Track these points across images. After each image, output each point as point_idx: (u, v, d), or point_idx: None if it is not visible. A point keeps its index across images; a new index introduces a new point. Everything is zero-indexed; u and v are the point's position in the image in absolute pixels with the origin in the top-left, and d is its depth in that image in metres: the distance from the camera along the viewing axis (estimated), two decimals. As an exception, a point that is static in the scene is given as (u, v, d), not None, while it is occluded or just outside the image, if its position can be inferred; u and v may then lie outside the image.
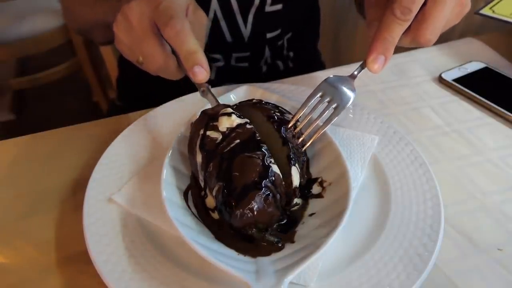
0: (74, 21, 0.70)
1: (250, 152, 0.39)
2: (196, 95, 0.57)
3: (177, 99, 0.56)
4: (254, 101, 0.48)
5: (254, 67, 0.75)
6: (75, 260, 0.40)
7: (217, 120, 0.42)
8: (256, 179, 0.38)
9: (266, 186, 0.37)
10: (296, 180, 0.41)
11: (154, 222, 0.42)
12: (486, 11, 0.68)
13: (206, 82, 0.45)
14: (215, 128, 0.41)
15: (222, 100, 0.52)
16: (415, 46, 0.42)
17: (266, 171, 0.38)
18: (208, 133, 0.41)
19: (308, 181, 0.45)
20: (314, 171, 0.46)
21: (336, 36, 1.62)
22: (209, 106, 0.47)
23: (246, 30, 0.69)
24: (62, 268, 0.40)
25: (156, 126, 0.53)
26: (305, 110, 0.43)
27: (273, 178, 0.38)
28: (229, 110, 0.43)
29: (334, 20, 1.61)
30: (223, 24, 0.67)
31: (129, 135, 0.51)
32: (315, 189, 0.44)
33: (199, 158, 0.42)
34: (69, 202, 0.46)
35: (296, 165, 0.41)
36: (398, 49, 0.76)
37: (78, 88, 2.01)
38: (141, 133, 0.52)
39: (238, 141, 0.40)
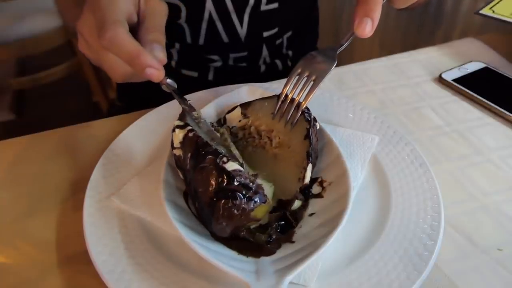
0: (67, 22, 0.70)
1: (201, 161, 0.38)
2: (196, 95, 0.57)
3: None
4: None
5: (252, 67, 0.75)
6: (75, 260, 0.40)
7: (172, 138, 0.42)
8: (215, 188, 0.36)
9: (227, 189, 0.36)
10: (307, 178, 0.41)
11: (154, 222, 0.42)
12: (486, 11, 0.68)
13: (168, 78, 0.42)
14: (173, 146, 0.41)
15: (223, 100, 0.52)
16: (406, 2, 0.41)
17: (221, 174, 0.37)
18: (174, 151, 0.41)
19: (308, 181, 0.45)
20: (314, 171, 0.46)
21: (336, 36, 1.62)
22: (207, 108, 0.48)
23: (242, 30, 0.69)
24: (62, 268, 0.40)
25: (156, 126, 0.53)
26: (287, 89, 0.43)
27: (231, 177, 0.36)
28: (175, 123, 0.42)
29: (333, 19, 1.61)
30: (218, 24, 0.67)
31: (129, 135, 0.51)
32: (315, 189, 0.44)
33: (180, 175, 0.42)
34: (69, 202, 0.46)
35: (311, 163, 0.42)
36: (398, 49, 0.76)
37: (78, 88, 2.01)
38: (141, 133, 0.52)
39: (189, 154, 0.39)
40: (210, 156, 0.37)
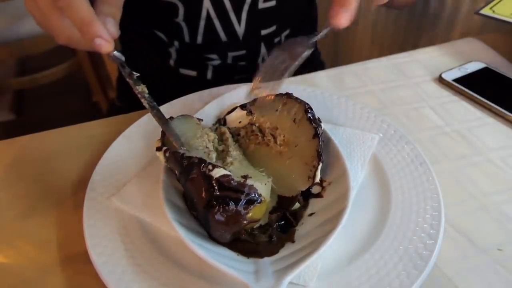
0: None
1: (189, 173, 0.38)
2: (196, 95, 0.57)
3: (177, 99, 0.56)
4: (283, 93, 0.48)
5: (251, 66, 0.75)
6: (75, 260, 0.40)
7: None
8: (206, 197, 0.36)
9: (218, 197, 0.36)
10: (317, 176, 0.41)
11: (154, 223, 0.42)
12: (486, 11, 0.68)
13: (116, 51, 0.40)
14: (163, 163, 0.42)
15: (223, 100, 0.52)
16: None
17: (209, 182, 0.36)
18: (169, 167, 0.42)
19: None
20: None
21: (335, 35, 1.62)
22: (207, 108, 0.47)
23: (240, 28, 0.69)
24: (62, 268, 0.40)
25: (156, 126, 0.52)
26: (262, 74, 0.45)
27: (219, 183, 0.36)
28: (156, 143, 0.42)
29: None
30: (216, 23, 0.67)
31: (129, 136, 0.51)
32: (315, 188, 0.44)
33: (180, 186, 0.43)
34: (69, 202, 0.46)
35: (321, 162, 0.42)
36: (398, 49, 0.76)
37: (78, 88, 2.01)
38: (141, 133, 0.52)
39: (177, 171, 0.40)
40: (195, 167, 0.37)
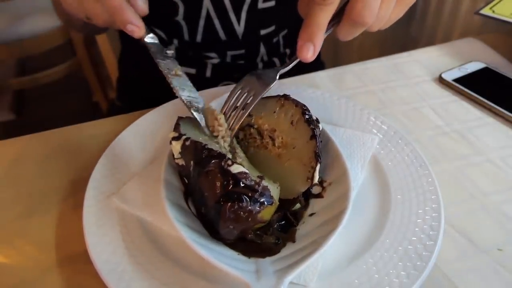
0: (58, 16, 0.70)
1: (205, 165, 0.37)
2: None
3: (177, 99, 0.56)
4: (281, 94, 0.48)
5: (250, 65, 0.75)
6: (75, 260, 0.40)
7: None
8: (220, 191, 0.36)
9: (233, 192, 0.36)
10: (316, 177, 0.41)
11: (154, 222, 0.42)
12: (486, 11, 0.68)
13: (150, 35, 0.44)
14: (174, 157, 0.41)
15: (222, 100, 0.52)
16: (356, 29, 0.40)
17: (226, 177, 0.36)
18: (177, 161, 0.41)
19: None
20: (314, 171, 0.46)
21: (333, 36, 1.62)
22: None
23: (239, 28, 0.69)
24: (62, 268, 0.40)
25: (156, 126, 0.53)
26: (231, 101, 0.45)
27: (236, 179, 0.36)
28: (170, 135, 0.42)
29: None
30: (216, 22, 0.68)
31: (129, 135, 0.51)
32: (315, 189, 0.44)
33: (186, 181, 0.42)
34: (69, 202, 0.46)
35: (319, 163, 0.42)
36: (398, 49, 0.76)
37: (78, 88, 2.01)
38: (141, 133, 0.52)
39: (192, 161, 0.39)
40: (214, 160, 0.37)
